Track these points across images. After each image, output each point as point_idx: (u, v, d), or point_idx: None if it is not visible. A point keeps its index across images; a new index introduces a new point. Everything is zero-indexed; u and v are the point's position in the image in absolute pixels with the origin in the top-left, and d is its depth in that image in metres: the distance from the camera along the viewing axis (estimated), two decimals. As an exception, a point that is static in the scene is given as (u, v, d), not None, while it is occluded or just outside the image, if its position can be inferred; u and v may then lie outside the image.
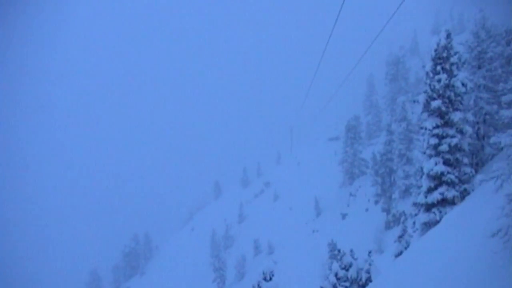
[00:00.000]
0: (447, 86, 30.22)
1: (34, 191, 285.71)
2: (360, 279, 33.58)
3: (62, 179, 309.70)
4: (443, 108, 30.24)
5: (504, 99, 31.51)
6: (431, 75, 31.05)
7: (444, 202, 30.69)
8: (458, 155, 30.51)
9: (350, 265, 34.03)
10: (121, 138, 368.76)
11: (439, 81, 30.28)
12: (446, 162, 30.54)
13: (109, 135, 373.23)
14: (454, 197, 30.09)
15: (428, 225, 31.13)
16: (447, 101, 30.33)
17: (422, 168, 32.38)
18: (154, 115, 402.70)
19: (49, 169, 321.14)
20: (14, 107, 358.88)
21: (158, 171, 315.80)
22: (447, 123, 30.60)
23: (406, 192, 71.78)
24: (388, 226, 71.03)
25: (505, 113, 25.96)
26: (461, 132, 30.76)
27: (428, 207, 31.60)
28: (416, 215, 34.33)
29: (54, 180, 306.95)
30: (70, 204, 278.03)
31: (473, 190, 29.61)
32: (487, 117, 34.32)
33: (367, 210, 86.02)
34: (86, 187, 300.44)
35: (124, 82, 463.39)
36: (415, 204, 34.21)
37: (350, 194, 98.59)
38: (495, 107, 33.80)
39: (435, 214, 30.68)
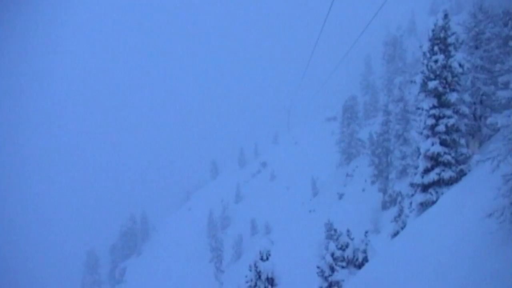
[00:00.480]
0: (444, 66, 30.21)
1: (30, 173, 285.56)
2: (357, 259, 33.78)
3: (60, 161, 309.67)
4: (440, 89, 30.24)
5: (501, 79, 31.49)
6: (428, 55, 31.03)
7: (441, 182, 30.78)
8: (454, 135, 30.56)
9: (347, 245, 34.19)
10: (118, 120, 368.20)
11: (436, 61, 30.27)
12: (443, 143, 30.59)
13: (107, 117, 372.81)
14: (450, 177, 30.19)
15: (425, 206, 31.22)
16: (444, 81, 30.32)
17: (418, 149, 32.41)
18: (151, 97, 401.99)
19: (47, 151, 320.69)
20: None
21: (155, 151, 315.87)
22: (444, 104, 30.61)
23: (403, 172, 71.97)
24: (384, 206, 71.36)
25: (502, 93, 25.94)
26: (458, 112, 30.79)
27: (425, 188, 31.68)
28: (412, 195, 34.42)
29: (52, 162, 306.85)
30: (67, 184, 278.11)
31: (469, 170, 29.72)
32: (484, 97, 34.34)
33: (363, 190, 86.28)
34: (84, 168, 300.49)
35: (122, 67, 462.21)
36: (411, 184, 34.29)
37: (347, 174, 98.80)
38: (492, 87, 33.80)
39: (432, 195, 30.77)
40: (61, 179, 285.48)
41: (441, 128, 30.24)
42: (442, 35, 30.45)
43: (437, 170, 30.64)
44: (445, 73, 30.21)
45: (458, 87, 30.96)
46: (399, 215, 37.90)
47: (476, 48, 35.07)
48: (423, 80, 31.18)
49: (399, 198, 58.69)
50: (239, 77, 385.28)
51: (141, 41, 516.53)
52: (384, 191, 74.35)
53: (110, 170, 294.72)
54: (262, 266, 26.30)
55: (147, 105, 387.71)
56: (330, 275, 33.24)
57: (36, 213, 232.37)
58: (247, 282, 27.12)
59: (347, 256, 33.85)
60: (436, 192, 30.62)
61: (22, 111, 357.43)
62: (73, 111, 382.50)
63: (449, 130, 30.42)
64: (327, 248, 34.57)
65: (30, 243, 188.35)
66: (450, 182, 30.25)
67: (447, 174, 30.25)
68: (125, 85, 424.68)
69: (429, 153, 30.58)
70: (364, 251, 33.67)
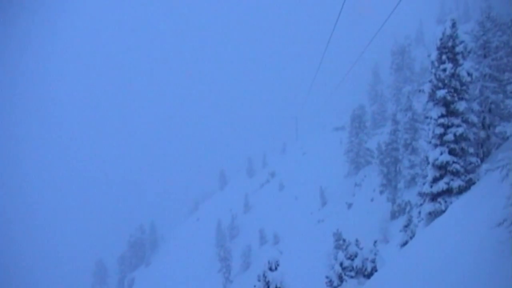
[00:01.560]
0: (452, 75, 30.18)
1: (39, 183, 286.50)
2: (366, 269, 33.68)
3: (69, 171, 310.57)
4: (449, 98, 30.20)
5: (510, 88, 31.50)
6: (436, 64, 31.01)
7: (450, 191, 30.71)
8: (463, 144, 30.49)
9: (356, 255, 34.11)
10: (126, 129, 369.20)
11: (444, 70, 30.25)
12: (451, 152, 30.53)
13: (114, 126, 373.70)
14: (459, 186, 30.10)
15: (434, 215, 31.15)
16: (452, 90, 30.29)
17: (427, 158, 32.35)
18: (160, 106, 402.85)
19: (55, 161, 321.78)
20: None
21: (163, 161, 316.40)
22: (453, 113, 30.56)
23: (412, 181, 71.71)
24: (393, 216, 71.09)
25: (511, 102, 25.85)
26: (466, 121, 30.73)
27: (434, 197, 31.61)
28: (421, 204, 34.35)
29: (61, 172, 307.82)
30: (76, 195, 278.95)
31: (478, 179, 29.62)
32: (493, 106, 34.22)
33: (372, 200, 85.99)
34: (92, 178, 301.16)
35: (128, 76, 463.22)
36: (420, 193, 34.26)
37: (355, 184, 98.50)
38: (500, 96, 33.70)
39: (441, 204, 30.70)
40: (69, 189, 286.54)
41: (449, 137, 30.18)
42: (450, 44, 30.43)
43: (446, 179, 30.57)
44: (453, 82, 30.18)
45: (466, 96, 30.91)
46: (408, 225, 37.79)
47: (485, 56, 34.99)
48: (432, 89, 31.15)
49: (407, 208, 58.67)
50: (247, 87, 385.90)
51: (149, 49, 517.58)
52: (392, 200, 74.09)
53: (119, 180, 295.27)
54: (271, 276, 26.26)
55: (156, 114, 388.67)
56: (338, 285, 33.19)
57: (45, 224, 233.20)
58: (255, 292, 27.09)
59: (356, 266, 33.76)
60: (445, 202, 30.55)
61: (28, 118, 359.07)
62: (80, 120, 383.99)
63: (457, 139, 30.36)
64: (335, 258, 34.54)
65: (39, 254, 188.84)
66: (459, 191, 30.18)
67: (456, 183, 30.18)
68: (134, 95, 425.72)
69: (437, 162, 30.51)
70: (373, 261, 33.58)
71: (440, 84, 30.57)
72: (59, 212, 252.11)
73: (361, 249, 34.72)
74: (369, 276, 33.06)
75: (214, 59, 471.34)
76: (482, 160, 32.85)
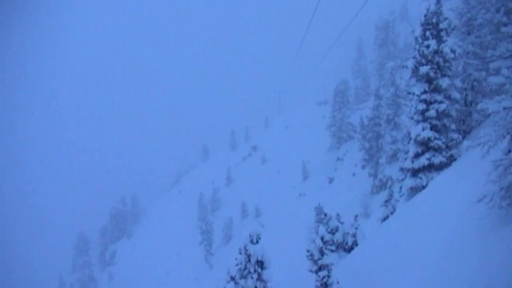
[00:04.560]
0: (435, 52, 30.22)
1: (21, 156, 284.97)
2: (346, 243, 33.95)
3: (51, 143, 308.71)
4: (432, 74, 30.25)
5: (492, 65, 31.46)
6: (420, 40, 31.02)
7: (431, 167, 30.89)
8: (445, 121, 30.61)
9: (337, 229, 34.34)
10: (109, 101, 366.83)
11: (428, 46, 30.28)
12: (433, 128, 30.65)
13: (96, 99, 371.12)
14: (440, 162, 30.28)
15: (415, 190, 31.36)
16: (435, 67, 30.33)
17: (409, 134, 32.48)
18: (143, 81, 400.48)
19: (36, 134, 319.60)
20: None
21: (146, 133, 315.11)
22: (435, 89, 30.64)
23: (393, 157, 71.97)
24: (374, 190, 71.42)
25: (493, 79, 25.82)
26: (449, 98, 30.84)
27: (415, 172, 31.79)
28: (402, 180, 34.55)
29: (41, 145, 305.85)
30: (57, 167, 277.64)
31: (460, 156, 29.83)
32: (475, 83, 34.30)
33: (354, 174, 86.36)
34: (74, 150, 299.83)
35: (112, 50, 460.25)
36: (402, 169, 34.40)
37: (338, 159, 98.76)
38: (483, 73, 33.76)
39: (422, 179, 30.89)
40: (51, 161, 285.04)
41: (432, 113, 30.29)
42: (434, 20, 30.45)
43: (427, 155, 30.73)
44: (436, 59, 30.23)
45: (449, 73, 30.97)
46: (389, 200, 37.98)
47: (468, 34, 35.01)
48: (415, 65, 31.18)
49: (389, 183, 58.97)
50: (230, 60, 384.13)
51: (135, 26, 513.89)
52: (374, 175, 74.50)
53: (101, 152, 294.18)
54: (252, 249, 26.32)
55: (137, 88, 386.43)
56: (319, 259, 33.34)
57: (26, 196, 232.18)
58: (237, 265, 27.16)
59: (337, 240, 34.01)
60: (426, 177, 30.75)
61: (14, 97, 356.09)
62: (62, 95, 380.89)
63: (440, 116, 30.48)
64: (316, 232, 34.61)
65: (20, 226, 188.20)
66: (440, 167, 30.39)
67: (437, 159, 30.36)
68: (114, 68, 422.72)
69: (419, 138, 30.64)
70: (354, 235, 33.82)
71: (423, 60, 30.62)
72: (40, 185, 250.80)
73: (342, 223, 34.95)
74: (349, 250, 33.35)
75: (195, 33, 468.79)
76: (463, 137, 33.04)
